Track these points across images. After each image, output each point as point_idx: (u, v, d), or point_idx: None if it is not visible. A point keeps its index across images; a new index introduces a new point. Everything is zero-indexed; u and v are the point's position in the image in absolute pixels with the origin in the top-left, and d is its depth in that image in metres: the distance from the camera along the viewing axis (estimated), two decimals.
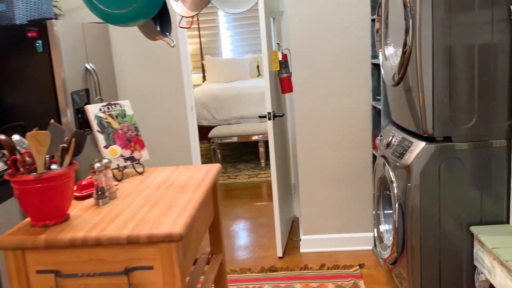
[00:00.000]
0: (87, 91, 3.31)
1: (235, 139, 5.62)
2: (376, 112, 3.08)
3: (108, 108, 2.23)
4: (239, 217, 4.15)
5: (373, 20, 3.01)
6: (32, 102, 3.02)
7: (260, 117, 3.23)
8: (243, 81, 7.15)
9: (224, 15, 7.95)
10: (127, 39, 3.78)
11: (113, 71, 3.81)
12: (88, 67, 3.32)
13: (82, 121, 3.14)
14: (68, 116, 3.02)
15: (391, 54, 2.50)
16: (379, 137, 2.78)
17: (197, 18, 7.88)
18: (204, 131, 6.07)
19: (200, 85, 7.49)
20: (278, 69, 3.28)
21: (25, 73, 2.99)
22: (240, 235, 3.75)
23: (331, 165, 3.23)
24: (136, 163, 2.26)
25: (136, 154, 2.25)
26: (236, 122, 5.96)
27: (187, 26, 2.08)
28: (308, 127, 3.20)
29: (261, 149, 5.58)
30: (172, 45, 2.01)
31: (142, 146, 2.28)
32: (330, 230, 3.31)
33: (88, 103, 3.34)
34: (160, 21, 2.12)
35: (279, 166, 3.33)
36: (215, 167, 2.31)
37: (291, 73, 3.26)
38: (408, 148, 2.27)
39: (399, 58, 2.29)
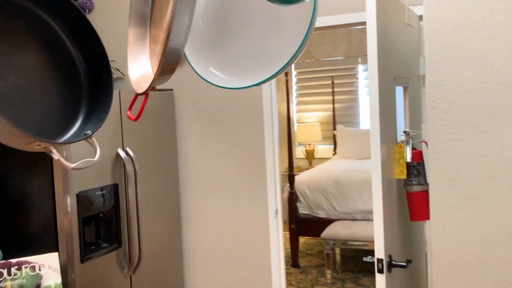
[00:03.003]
0: (115, 187, 2.30)
1: (360, 245, 4.12)
2: None
3: (1, 274, 1.10)
4: None
5: None
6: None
7: (365, 261, 1.81)
8: None
9: (365, 78, 6.63)
10: (198, 110, 2.74)
11: (175, 155, 2.77)
12: (122, 154, 2.32)
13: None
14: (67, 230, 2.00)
15: None
16: None
17: (332, 81, 6.68)
18: (321, 225, 4.69)
19: (330, 159, 6.20)
20: (405, 177, 1.85)
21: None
22: None
23: None
24: None
25: None
26: (364, 217, 4.46)
27: (133, 117, 0.88)
28: None
29: None
30: (76, 166, 0.81)
31: None
32: None
33: (116, 205, 2.31)
34: (77, 102, 0.95)
35: None
36: None
37: (428, 185, 1.80)
38: None
39: None
